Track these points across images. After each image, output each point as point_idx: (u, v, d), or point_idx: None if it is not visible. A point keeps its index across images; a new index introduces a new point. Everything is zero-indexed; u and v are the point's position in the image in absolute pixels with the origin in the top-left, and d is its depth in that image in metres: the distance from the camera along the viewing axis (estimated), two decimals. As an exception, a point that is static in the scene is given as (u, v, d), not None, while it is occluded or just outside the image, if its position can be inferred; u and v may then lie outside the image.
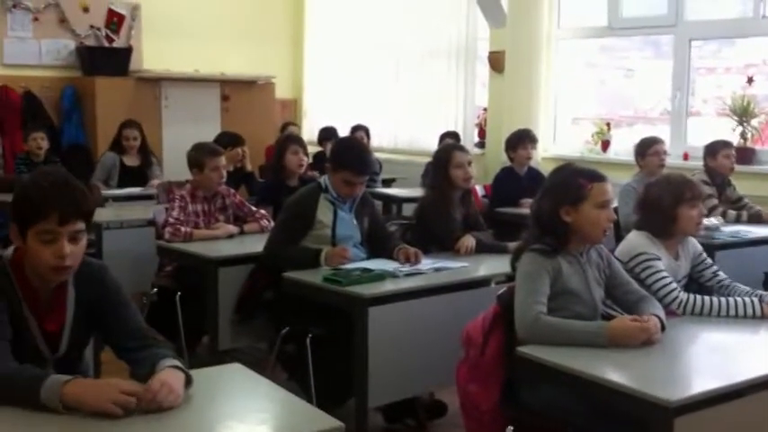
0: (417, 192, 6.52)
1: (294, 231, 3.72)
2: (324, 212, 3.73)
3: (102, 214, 4.64)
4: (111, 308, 2.20)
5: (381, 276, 3.40)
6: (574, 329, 2.50)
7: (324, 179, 3.80)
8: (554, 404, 2.51)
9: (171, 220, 4.29)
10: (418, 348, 3.35)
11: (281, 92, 8.86)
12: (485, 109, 7.73)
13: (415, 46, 8.24)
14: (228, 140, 5.89)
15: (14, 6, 7.24)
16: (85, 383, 1.90)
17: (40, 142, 6.26)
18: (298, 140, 5.07)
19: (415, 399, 3.67)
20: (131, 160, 6.42)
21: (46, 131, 6.45)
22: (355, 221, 3.82)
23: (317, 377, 3.45)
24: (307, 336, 3.45)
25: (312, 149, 6.40)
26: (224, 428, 1.89)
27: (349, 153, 3.79)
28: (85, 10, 7.64)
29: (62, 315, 2.17)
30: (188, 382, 1.98)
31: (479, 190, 5.69)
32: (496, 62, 7.33)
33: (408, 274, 3.49)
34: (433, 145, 6.77)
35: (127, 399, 1.84)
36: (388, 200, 6.59)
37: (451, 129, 7.48)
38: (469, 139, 7.63)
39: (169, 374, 1.94)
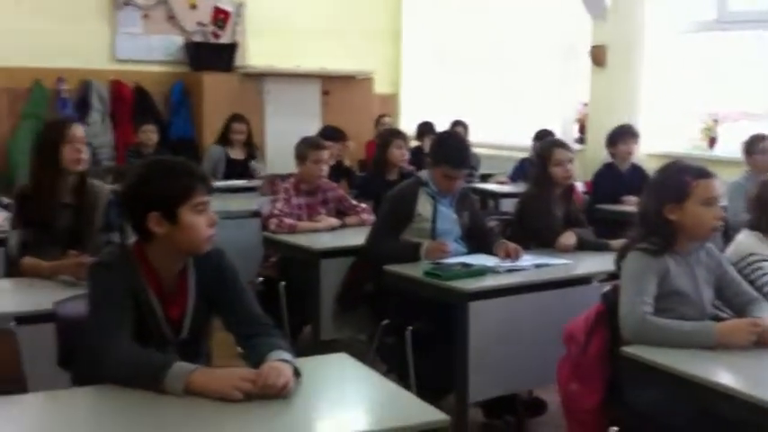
0: (515, 187, 6.51)
1: (395, 224, 3.77)
2: (424, 206, 3.77)
3: (210, 205, 4.81)
4: (229, 293, 2.29)
5: (482, 272, 3.42)
6: (681, 330, 2.46)
7: (424, 173, 3.84)
8: (659, 406, 2.48)
9: (276, 211, 4.42)
10: (518, 345, 3.36)
11: (380, 87, 8.94)
12: (585, 104, 7.61)
13: (514, 40, 8.18)
14: (332, 135, 6.01)
15: (126, 3, 7.54)
16: (209, 371, 1.99)
17: (150, 135, 6.53)
18: (401, 135, 5.14)
19: (514, 396, 3.67)
20: (237, 153, 6.63)
21: (156, 125, 6.72)
22: (455, 216, 3.84)
23: (417, 370, 3.50)
24: (407, 329, 3.50)
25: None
26: (331, 416, 1.95)
27: (448, 147, 3.83)
28: (193, 7, 7.89)
29: (184, 301, 2.27)
30: (296, 375, 2.04)
31: (579, 186, 5.62)
32: (598, 56, 7.21)
33: (509, 270, 3.49)
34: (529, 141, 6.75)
35: (247, 385, 1.92)
36: (486, 195, 6.58)
37: (551, 124, 7.39)
38: (569, 134, 7.53)
39: (279, 365, 2.01)
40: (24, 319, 2.70)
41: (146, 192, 2.17)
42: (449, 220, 3.82)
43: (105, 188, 3.50)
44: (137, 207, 2.18)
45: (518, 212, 4.16)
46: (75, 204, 3.33)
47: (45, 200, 3.27)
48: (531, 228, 4.01)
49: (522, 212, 4.12)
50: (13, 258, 3.25)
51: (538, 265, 3.57)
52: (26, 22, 7.02)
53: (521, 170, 6.92)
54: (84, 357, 2.26)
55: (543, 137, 6.73)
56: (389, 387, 2.10)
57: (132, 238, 2.27)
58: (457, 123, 7.44)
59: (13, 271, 3.27)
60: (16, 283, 3.14)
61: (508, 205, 6.00)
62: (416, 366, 3.50)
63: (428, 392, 3.29)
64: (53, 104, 7.20)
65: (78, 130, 3.34)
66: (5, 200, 5.02)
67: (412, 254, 3.64)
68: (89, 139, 7.15)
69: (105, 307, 2.11)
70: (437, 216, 3.77)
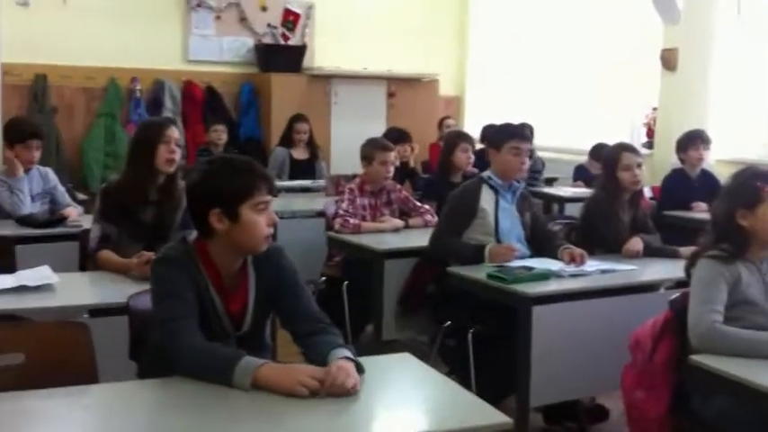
0: (580, 191, 6.44)
1: (458, 222, 3.76)
2: (486, 200, 3.77)
3: (275, 204, 4.90)
4: (289, 290, 2.32)
5: (546, 276, 3.39)
6: (752, 339, 2.40)
7: (486, 172, 3.84)
8: (725, 416, 2.43)
9: (340, 211, 4.47)
10: (582, 351, 3.32)
11: (445, 89, 8.93)
12: (654, 108, 7.47)
13: (582, 43, 8.08)
14: (397, 136, 6.03)
15: (198, 5, 7.70)
16: (276, 367, 2.02)
17: (220, 134, 6.65)
18: (467, 138, 5.13)
19: (576, 402, 3.63)
20: (300, 153, 6.70)
21: (225, 125, 6.84)
22: (517, 214, 3.83)
23: (477, 373, 3.49)
24: (468, 331, 3.49)
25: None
26: (394, 416, 1.96)
27: (509, 125, 3.94)
28: (264, 9, 8.01)
29: (244, 296, 2.31)
30: (359, 372, 2.05)
31: (647, 192, 5.52)
32: (669, 60, 7.06)
33: (573, 275, 3.45)
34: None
35: (314, 383, 1.94)
36: (551, 199, 6.52)
37: (618, 127, 7.29)
38: (637, 139, 7.40)
39: (345, 363, 2.03)
40: (97, 311, 2.80)
41: (209, 188, 2.21)
42: (511, 216, 3.80)
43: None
44: (199, 203, 2.23)
45: (584, 217, 4.12)
46: (160, 202, 3.40)
47: (133, 197, 3.34)
48: (597, 233, 3.96)
49: (587, 217, 4.07)
50: (90, 251, 3.34)
51: (603, 271, 3.52)
52: (103, 23, 7.22)
53: (579, 176, 6.86)
54: (150, 350, 2.33)
55: (599, 151, 6.66)
56: (452, 388, 2.10)
57: (194, 234, 2.31)
58: (522, 125, 7.37)
59: (89, 263, 3.38)
60: (91, 277, 3.25)
61: (573, 209, 5.94)
62: (477, 369, 3.49)
63: (488, 395, 3.30)
64: (127, 104, 7.40)
65: (175, 132, 3.42)
66: (81, 195, 5.18)
67: (475, 255, 3.63)
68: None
69: (171, 301, 2.16)
70: (499, 211, 3.77)
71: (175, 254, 2.24)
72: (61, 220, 4.18)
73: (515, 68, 8.80)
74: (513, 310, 3.28)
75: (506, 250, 3.61)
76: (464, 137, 5.20)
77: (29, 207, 4.37)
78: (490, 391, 3.39)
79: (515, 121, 7.34)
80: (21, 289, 2.89)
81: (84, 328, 2.25)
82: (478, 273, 3.46)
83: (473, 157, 5.10)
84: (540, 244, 3.83)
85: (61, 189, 4.62)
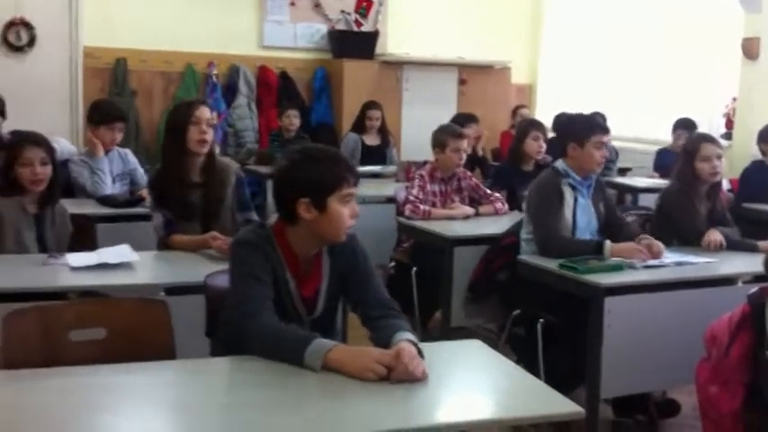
0: (654, 182, 6.31)
1: (557, 214, 3.62)
2: (566, 196, 3.72)
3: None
4: (360, 276, 2.35)
5: (619, 267, 3.35)
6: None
7: (560, 164, 3.76)
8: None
9: (411, 198, 4.48)
10: (654, 343, 3.27)
11: (517, 77, 8.84)
12: (734, 98, 7.26)
13: (658, 31, 7.89)
14: (464, 120, 6.01)
15: (274, -9, 7.79)
16: (347, 350, 2.05)
17: (292, 120, 6.73)
18: (539, 126, 5.08)
19: (647, 395, 3.58)
20: (371, 140, 6.74)
21: (298, 110, 6.92)
22: (593, 208, 3.77)
23: (546, 363, 3.47)
24: (538, 320, 3.47)
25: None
26: (463, 402, 1.97)
27: (587, 119, 3.85)
28: (338, -5, 8.07)
29: (318, 281, 2.35)
30: (419, 356, 2.06)
31: (725, 184, 5.38)
32: (750, 49, 6.84)
33: (648, 267, 3.40)
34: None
35: (382, 369, 1.96)
36: (624, 189, 6.41)
37: (696, 118, 7.10)
38: (715, 129, 7.20)
39: (410, 347, 2.04)
40: (173, 290, 2.88)
41: (300, 178, 2.25)
42: (587, 211, 3.74)
43: (233, 165, 3.60)
44: (289, 191, 2.26)
45: (660, 208, 4.03)
46: (204, 183, 3.43)
47: (174, 180, 3.39)
48: (674, 224, 3.88)
49: (664, 208, 3.99)
50: (160, 239, 3.42)
51: (679, 263, 3.45)
52: (181, 8, 7.37)
53: (660, 162, 6.71)
54: (225, 329, 2.38)
55: (683, 126, 6.52)
56: (523, 376, 2.10)
57: (272, 218, 2.35)
58: (595, 115, 7.25)
59: (162, 248, 3.46)
60: (168, 256, 3.33)
61: (647, 200, 5.83)
62: (546, 359, 3.47)
63: (556, 386, 3.28)
64: (203, 88, 7.54)
65: (204, 112, 3.41)
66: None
67: (594, 252, 3.47)
68: (234, 123, 7.57)
69: (248, 282, 2.20)
70: (577, 208, 3.71)
71: (254, 237, 2.28)
72: (140, 201, 4.30)
73: (590, 56, 8.66)
74: (584, 301, 3.24)
75: (633, 250, 3.45)
76: (536, 125, 5.16)
77: (109, 188, 4.51)
78: (558, 382, 3.37)
79: (588, 109, 7.33)
80: (101, 266, 3.00)
81: (164, 305, 2.32)
82: (550, 262, 3.43)
83: (544, 145, 5.05)
84: (612, 233, 3.77)
85: (140, 171, 4.75)
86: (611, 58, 8.39)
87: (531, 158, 5.01)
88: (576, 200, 3.70)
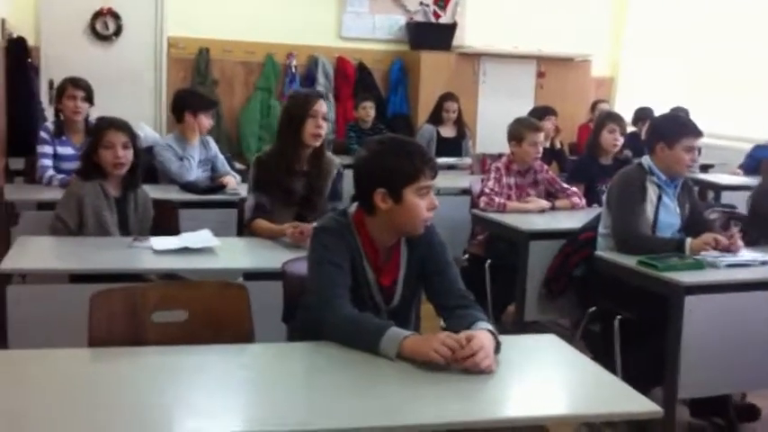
0: (739, 180, 6.13)
1: (640, 210, 3.56)
2: (650, 194, 3.63)
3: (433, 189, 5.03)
4: (438, 266, 2.35)
5: (700, 265, 3.27)
6: None
7: (645, 160, 3.68)
8: None
9: (486, 190, 4.46)
10: (736, 344, 3.19)
11: (597, 70, 8.69)
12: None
13: (746, 23, 7.62)
14: (541, 113, 5.94)
15: (355, -17, 7.82)
16: (419, 338, 2.05)
17: (369, 111, 6.77)
18: (616, 119, 4.98)
19: (726, 397, 3.49)
20: (447, 131, 6.72)
21: (375, 101, 6.95)
22: (678, 208, 3.68)
23: (623, 361, 3.41)
24: (615, 317, 3.42)
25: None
26: (539, 396, 1.95)
27: (678, 121, 3.72)
28: (417, -14, 8.05)
29: (396, 271, 2.36)
30: (497, 348, 2.06)
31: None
32: None
33: (730, 265, 3.31)
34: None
35: (446, 350, 1.95)
36: (706, 186, 6.24)
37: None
38: (806, 126, 6.95)
39: (485, 337, 2.03)
40: (251, 275, 2.94)
41: (377, 168, 2.26)
42: (671, 212, 3.65)
43: (336, 160, 3.68)
44: (366, 181, 2.29)
45: (752, 206, 3.91)
46: (309, 173, 3.51)
47: (283, 167, 3.46)
48: (766, 223, 3.76)
49: (756, 207, 3.87)
50: (246, 220, 3.50)
51: (764, 262, 3.35)
52: (262, 0, 7.47)
53: (753, 160, 6.50)
54: (302, 314, 2.42)
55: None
56: (600, 372, 2.07)
57: (352, 207, 2.37)
58: (678, 110, 7.07)
59: (244, 231, 3.54)
60: (247, 242, 3.41)
61: (730, 198, 5.68)
62: (622, 357, 3.42)
63: (632, 385, 3.22)
64: (282, 78, 7.63)
65: (322, 106, 3.48)
66: (238, 165, 5.42)
67: (675, 249, 3.40)
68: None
69: (327, 268, 2.23)
70: (660, 206, 3.62)
71: (336, 224, 2.31)
72: (221, 188, 4.40)
73: (674, 48, 8.44)
74: (663, 299, 3.18)
75: (709, 239, 3.39)
76: (614, 117, 5.05)
77: (195, 173, 4.62)
78: (635, 381, 3.33)
79: (670, 104, 7.16)
80: (183, 250, 3.08)
81: (244, 289, 2.37)
82: (629, 258, 3.37)
83: (621, 138, 4.94)
84: (696, 232, 3.67)
85: (221, 158, 4.85)
86: (697, 50, 8.16)
87: (609, 152, 4.91)
88: (659, 198, 3.61)
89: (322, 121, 3.46)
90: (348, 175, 2.90)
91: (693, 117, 6.82)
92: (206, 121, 4.76)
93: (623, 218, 3.55)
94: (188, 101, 4.85)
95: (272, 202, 3.47)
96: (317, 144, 3.49)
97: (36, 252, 3.10)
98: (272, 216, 3.43)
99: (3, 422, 1.62)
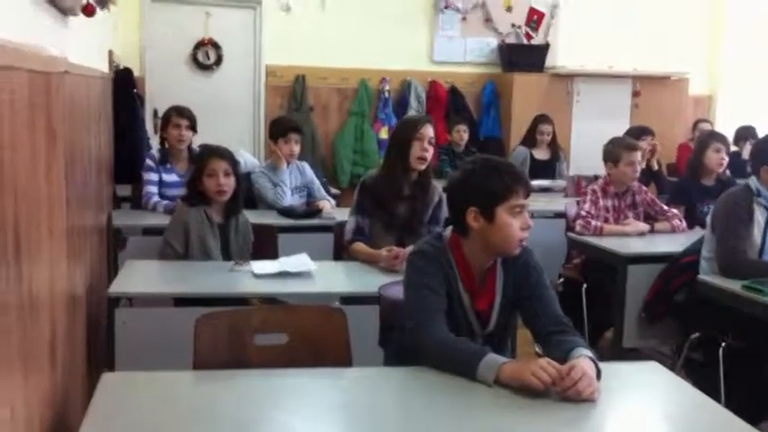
0: None
1: (747, 232, 3.47)
2: (757, 215, 3.52)
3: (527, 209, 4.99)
4: (535, 290, 2.34)
5: (811, 291, 3.14)
6: None
7: (753, 182, 3.57)
8: None
9: (582, 213, 4.39)
10: None
11: (695, 88, 8.46)
12: None
13: None
14: (638, 132, 5.83)
15: (446, 7, 7.87)
16: (518, 363, 2.04)
17: (462, 134, 6.79)
18: (721, 138, 4.85)
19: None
20: (541, 154, 6.66)
21: (467, 124, 6.95)
22: (785, 230, 3.55)
23: (727, 391, 3.30)
24: (720, 345, 3.31)
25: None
26: (641, 428, 1.91)
27: None
28: (509, 9, 8.02)
29: (492, 295, 2.35)
30: (598, 375, 2.02)
31: None
32: None
33: (843, 292, 3.16)
34: None
35: (546, 377, 1.93)
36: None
37: None
38: None
39: (586, 365, 1.99)
40: (348, 299, 2.98)
41: (469, 187, 2.28)
42: (781, 234, 3.53)
43: (439, 188, 3.69)
44: (459, 200, 2.30)
45: None
46: (413, 197, 3.54)
47: (388, 190, 3.50)
48: None
49: None
50: (345, 242, 3.55)
51: None
52: (357, 26, 7.60)
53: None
54: (398, 338, 2.44)
55: None
56: (706, 402, 2.01)
57: (447, 231, 2.38)
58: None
59: (343, 253, 3.59)
60: (344, 266, 3.46)
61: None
62: (727, 387, 3.30)
63: (739, 416, 3.10)
64: (376, 103, 7.73)
65: (429, 130, 3.51)
66: (334, 190, 5.50)
67: None
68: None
69: (423, 292, 2.24)
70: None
71: (432, 249, 2.33)
72: (317, 212, 4.48)
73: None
74: (770, 326, 3.06)
75: None
76: (717, 136, 4.92)
77: (289, 199, 4.72)
78: (740, 413, 3.21)
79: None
80: (282, 274, 3.15)
81: (342, 314, 2.40)
82: (733, 283, 3.27)
83: (726, 158, 4.81)
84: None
85: (317, 183, 4.94)
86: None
87: (712, 172, 4.78)
88: (767, 222, 3.49)
89: (428, 145, 3.48)
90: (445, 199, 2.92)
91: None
92: (285, 147, 4.82)
93: (728, 241, 3.45)
94: (271, 129, 4.99)
95: (373, 225, 3.51)
96: (422, 167, 3.51)
97: (142, 276, 3.22)
98: (372, 240, 3.47)
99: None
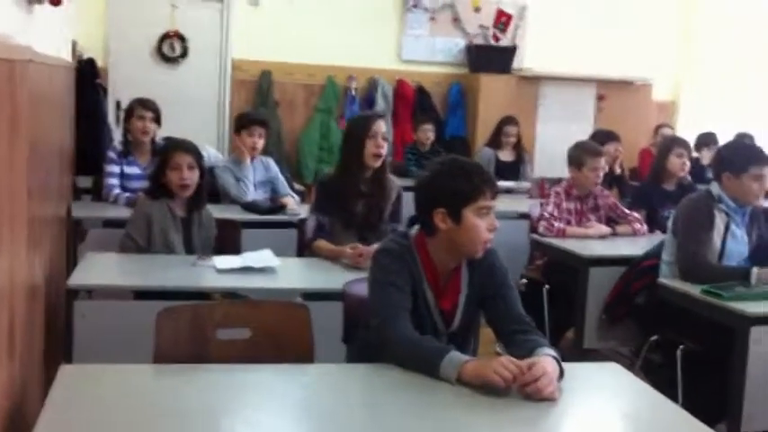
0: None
1: (707, 237, 3.51)
2: (717, 222, 3.57)
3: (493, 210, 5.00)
4: (498, 290, 2.35)
5: (767, 295, 3.19)
6: None
7: (714, 188, 3.62)
8: None
9: (546, 215, 4.43)
10: (804, 378, 3.10)
11: (659, 94, 8.58)
12: None
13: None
14: (604, 137, 5.88)
15: (414, 6, 7.87)
16: (480, 362, 2.04)
17: (428, 134, 6.79)
18: (683, 143, 4.92)
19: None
20: (506, 155, 6.71)
21: (433, 124, 6.97)
22: (746, 237, 3.60)
23: (684, 393, 3.34)
24: (678, 347, 3.36)
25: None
26: (602, 426, 1.93)
27: (748, 148, 3.68)
28: (477, 10, 8.04)
29: (456, 295, 2.36)
30: (561, 375, 2.04)
31: None
32: None
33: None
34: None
35: (507, 373, 1.94)
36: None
37: None
38: None
39: (549, 364, 2.01)
40: (310, 295, 2.97)
41: (437, 188, 2.28)
42: (739, 240, 3.58)
43: (396, 182, 3.70)
44: (426, 201, 2.31)
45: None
46: (370, 194, 3.54)
47: (345, 189, 3.50)
48: None
49: None
50: (307, 240, 3.54)
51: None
52: (324, 23, 7.57)
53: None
54: (362, 336, 2.43)
55: None
56: (665, 404, 2.04)
57: (413, 230, 2.38)
58: (742, 135, 6.94)
59: (305, 251, 3.58)
60: (308, 263, 3.44)
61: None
62: (684, 389, 3.35)
63: (694, 417, 3.15)
64: (342, 101, 7.71)
65: (381, 126, 3.52)
66: (298, 186, 5.48)
67: (741, 278, 3.34)
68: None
69: (388, 290, 2.24)
70: (728, 235, 3.55)
71: (397, 247, 2.32)
72: (281, 208, 4.46)
73: (739, 71, 8.28)
74: (728, 330, 3.11)
75: None
76: (680, 142, 4.99)
77: (252, 194, 4.69)
78: (697, 414, 3.26)
79: (735, 129, 7.03)
80: (245, 269, 3.13)
81: (306, 309, 2.40)
82: (692, 287, 3.32)
83: (689, 163, 4.88)
84: (761, 261, 3.59)
85: (281, 179, 4.92)
86: (763, 74, 8.00)
87: (674, 177, 4.85)
88: (727, 227, 3.55)
89: (382, 141, 3.48)
90: (407, 196, 2.93)
91: (760, 143, 6.75)
92: (248, 140, 4.79)
93: (689, 245, 3.50)
94: (236, 121, 4.97)
95: (333, 223, 3.50)
96: (378, 164, 3.51)
97: (102, 269, 3.18)
98: (333, 237, 3.47)
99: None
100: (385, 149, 3.52)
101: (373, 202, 3.53)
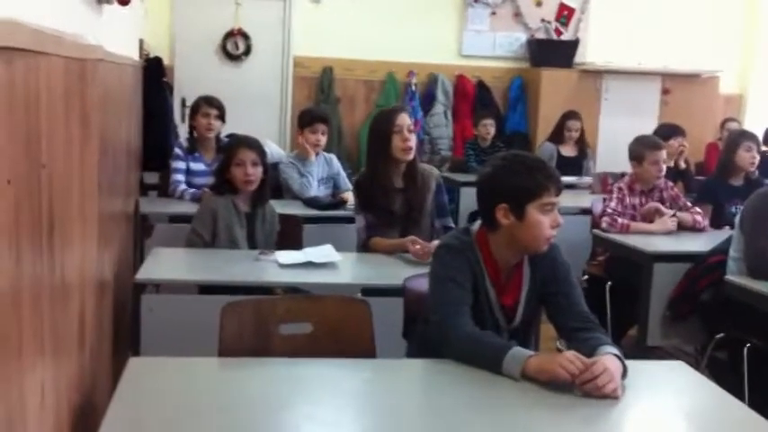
0: None
1: None
2: None
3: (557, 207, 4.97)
4: (561, 287, 2.33)
5: (839, 293, 3.11)
6: None
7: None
8: None
9: (608, 210, 4.37)
10: None
11: (726, 87, 8.37)
12: None
13: None
14: (668, 132, 5.77)
15: (476, 1, 7.84)
16: (545, 356, 2.04)
17: (489, 128, 6.75)
18: (752, 137, 4.79)
19: None
20: (568, 150, 6.63)
21: (494, 119, 6.93)
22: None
23: (751, 392, 3.27)
24: (745, 345, 3.29)
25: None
26: (666, 425, 1.91)
27: None
28: (538, 4, 7.97)
29: (518, 291, 2.35)
30: (624, 373, 2.02)
31: None
32: None
33: None
34: None
35: (573, 367, 1.93)
36: None
37: None
38: None
39: (611, 362, 1.99)
40: (372, 291, 2.98)
41: (500, 183, 2.27)
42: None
43: (435, 172, 3.66)
44: (489, 196, 2.30)
45: None
46: (406, 189, 3.51)
47: (379, 186, 3.48)
48: None
49: None
50: (361, 241, 3.55)
51: None
52: (385, 19, 7.60)
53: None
54: (421, 331, 2.44)
55: None
56: (731, 402, 2.00)
57: (475, 225, 2.38)
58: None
59: (362, 250, 3.59)
60: (368, 258, 3.46)
61: None
62: (751, 387, 3.28)
63: (762, 416, 3.08)
64: (402, 96, 7.73)
65: (405, 119, 3.46)
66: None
67: None
68: (430, 130, 7.70)
69: (448, 286, 2.24)
70: None
71: (459, 243, 2.33)
72: (342, 204, 4.49)
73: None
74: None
75: None
76: (749, 135, 4.85)
77: (315, 190, 4.74)
78: (764, 414, 3.19)
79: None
80: (307, 264, 3.17)
81: (367, 305, 2.41)
82: (761, 283, 3.24)
83: (758, 156, 4.75)
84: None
85: (343, 175, 4.95)
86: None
87: (742, 172, 4.72)
88: None
89: (408, 134, 3.44)
90: (469, 192, 2.92)
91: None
92: (311, 137, 4.83)
93: (757, 241, 3.42)
94: (299, 118, 5.02)
95: (376, 221, 3.50)
96: (408, 158, 3.46)
97: (169, 263, 3.26)
98: (380, 236, 3.47)
99: (132, 428, 1.70)
100: (413, 142, 3.47)
101: (410, 196, 3.50)
